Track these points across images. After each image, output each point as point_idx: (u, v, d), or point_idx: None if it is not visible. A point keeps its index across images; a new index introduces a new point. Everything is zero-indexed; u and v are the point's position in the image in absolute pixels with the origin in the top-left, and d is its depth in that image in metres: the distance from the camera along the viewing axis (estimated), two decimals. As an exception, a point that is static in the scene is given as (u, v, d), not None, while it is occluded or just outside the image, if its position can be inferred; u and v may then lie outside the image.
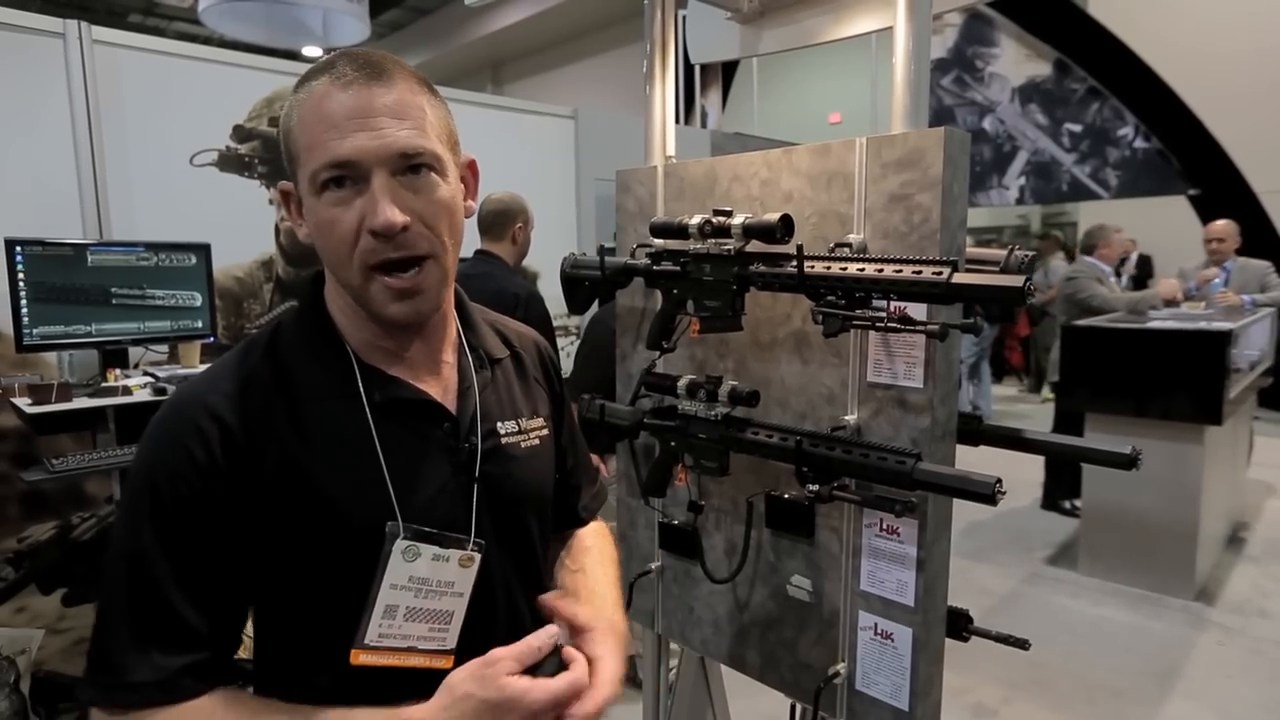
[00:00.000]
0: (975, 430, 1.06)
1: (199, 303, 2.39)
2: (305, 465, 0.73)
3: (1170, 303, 4.23)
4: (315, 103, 0.71)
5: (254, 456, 0.72)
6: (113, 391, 2.05)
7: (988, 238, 9.48)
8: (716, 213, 1.05)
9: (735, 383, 1.11)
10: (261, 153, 2.82)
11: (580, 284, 1.30)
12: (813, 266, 0.93)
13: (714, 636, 1.29)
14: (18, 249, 2.07)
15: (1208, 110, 6.85)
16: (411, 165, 0.72)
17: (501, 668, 0.69)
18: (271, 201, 2.88)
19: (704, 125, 7.44)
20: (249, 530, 0.72)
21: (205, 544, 0.71)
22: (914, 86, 1.01)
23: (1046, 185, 7.81)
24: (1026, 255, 1.01)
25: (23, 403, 1.95)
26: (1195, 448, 3.26)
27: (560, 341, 3.55)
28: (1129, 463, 0.96)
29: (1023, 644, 1.04)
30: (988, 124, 7.99)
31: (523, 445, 0.88)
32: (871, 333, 1.01)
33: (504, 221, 2.52)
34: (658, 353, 1.20)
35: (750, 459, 1.11)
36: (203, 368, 1.78)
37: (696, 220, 1.06)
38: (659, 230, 1.13)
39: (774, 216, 0.96)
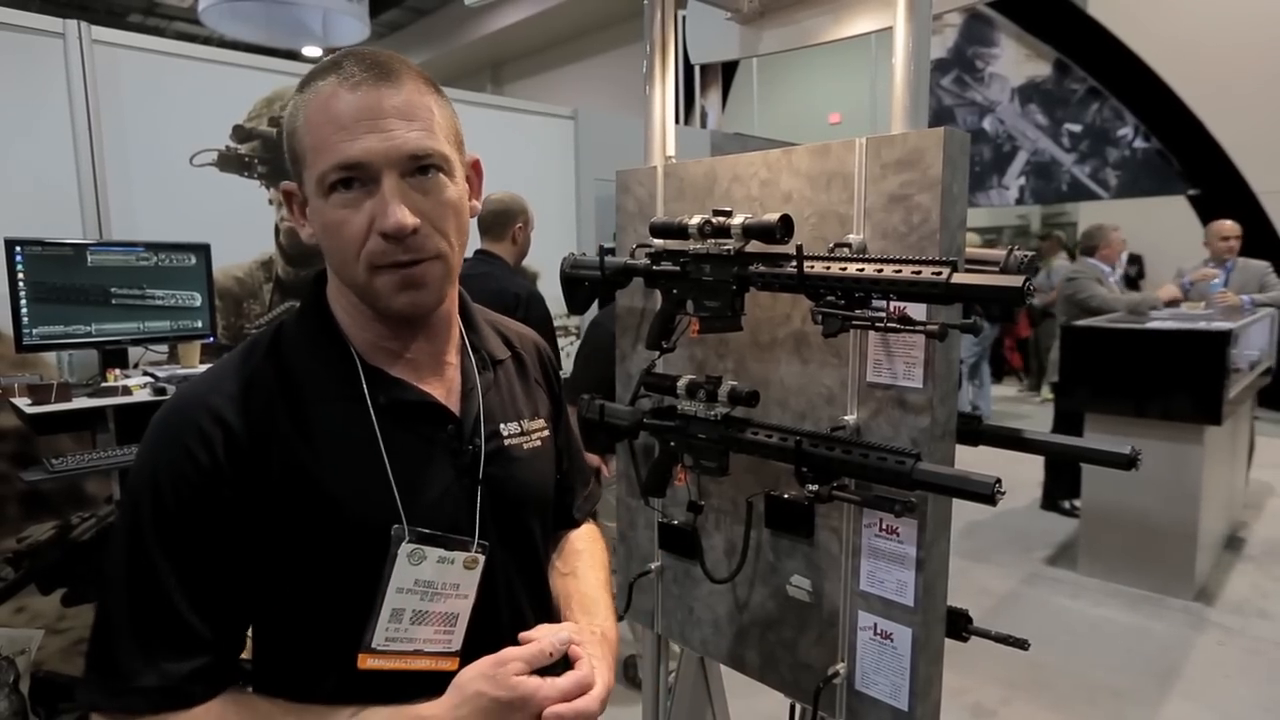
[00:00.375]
0: (975, 430, 1.06)
1: (199, 303, 2.39)
2: (310, 468, 0.72)
3: (1170, 303, 4.23)
4: (322, 103, 0.70)
5: (258, 459, 0.71)
6: (112, 391, 2.05)
7: (988, 238, 9.48)
8: (716, 213, 1.05)
9: (735, 383, 1.11)
10: (261, 153, 2.82)
11: (580, 284, 1.30)
12: (812, 266, 0.93)
13: (714, 636, 1.29)
14: (18, 249, 2.07)
15: (1207, 110, 6.85)
16: (420, 166, 0.71)
17: (512, 668, 0.69)
18: (271, 201, 2.87)
19: (704, 125, 7.44)
20: (253, 533, 0.71)
21: (209, 548, 0.70)
22: (914, 87, 1.01)
23: (1046, 185, 7.81)
24: (1026, 255, 1.00)
25: (22, 403, 1.95)
26: (1195, 448, 3.25)
27: (560, 342, 3.55)
28: (1128, 463, 0.96)
29: (1022, 644, 1.04)
30: (987, 124, 7.99)
31: (525, 446, 0.88)
32: (871, 333, 1.01)
33: (504, 221, 2.52)
34: (657, 353, 1.20)
35: (750, 459, 1.11)
36: (203, 368, 1.78)
37: (696, 220, 1.06)
38: (659, 230, 1.12)
39: (774, 217, 0.96)
